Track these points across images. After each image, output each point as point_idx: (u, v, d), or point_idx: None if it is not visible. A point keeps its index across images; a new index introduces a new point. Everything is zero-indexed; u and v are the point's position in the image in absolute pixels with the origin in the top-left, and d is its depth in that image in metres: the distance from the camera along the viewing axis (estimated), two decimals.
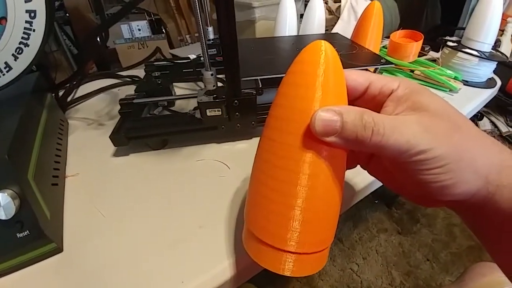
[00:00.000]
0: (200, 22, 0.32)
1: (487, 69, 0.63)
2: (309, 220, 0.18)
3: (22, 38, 0.32)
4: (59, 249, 0.26)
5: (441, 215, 1.13)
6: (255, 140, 0.42)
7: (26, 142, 0.28)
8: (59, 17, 1.63)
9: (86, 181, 0.35)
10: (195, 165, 0.37)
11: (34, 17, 0.31)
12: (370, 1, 0.74)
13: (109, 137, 0.36)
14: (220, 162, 0.37)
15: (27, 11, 0.31)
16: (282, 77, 0.19)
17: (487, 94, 0.60)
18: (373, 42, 0.61)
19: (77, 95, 0.53)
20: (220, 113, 0.37)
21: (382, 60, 0.46)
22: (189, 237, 0.28)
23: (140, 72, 0.63)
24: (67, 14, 1.67)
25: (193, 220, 0.29)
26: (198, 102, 0.36)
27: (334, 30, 0.68)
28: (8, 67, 0.33)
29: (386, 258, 0.97)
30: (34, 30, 0.32)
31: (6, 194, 0.23)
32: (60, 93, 0.47)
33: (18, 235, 0.24)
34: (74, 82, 0.50)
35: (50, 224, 0.27)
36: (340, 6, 0.74)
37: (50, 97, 0.41)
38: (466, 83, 0.62)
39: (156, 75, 0.48)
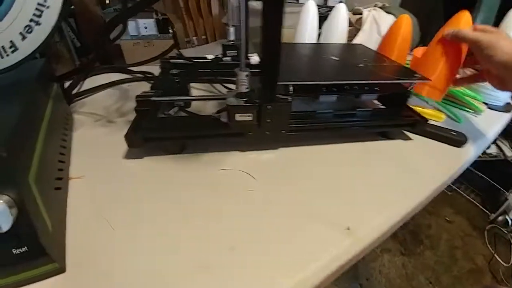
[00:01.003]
0: (244, 22, 0.28)
1: (506, 93, 0.61)
2: (442, 73, 0.43)
3: (34, 15, 0.27)
4: (61, 269, 0.22)
5: (444, 236, 1.11)
6: (282, 151, 0.38)
7: (29, 136, 0.23)
8: None
9: (92, 185, 0.30)
10: (218, 175, 0.33)
11: None
12: (391, 15, 0.72)
13: (124, 136, 0.32)
14: (246, 174, 0.33)
15: None
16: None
17: (507, 118, 0.59)
18: (399, 56, 0.58)
19: (83, 88, 0.49)
20: (250, 118, 0.33)
21: (416, 75, 0.43)
22: (217, 260, 0.23)
23: (151, 69, 0.58)
24: (72, 7, 1.62)
25: (220, 240, 0.25)
26: (227, 105, 0.32)
27: (355, 41, 0.66)
28: (14, 47, 0.28)
29: (389, 280, 0.93)
30: (48, 7, 0.27)
31: (1, 201, 0.18)
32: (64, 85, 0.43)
33: (14, 251, 0.19)
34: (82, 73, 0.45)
35: (52, 239, 0.22)
36: (360, 18, 0.72)
37: (56, 87, 0.37)
38: (487, 105, 0.60)
39: (174, 72, 0.44)
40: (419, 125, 0.41)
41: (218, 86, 0.55)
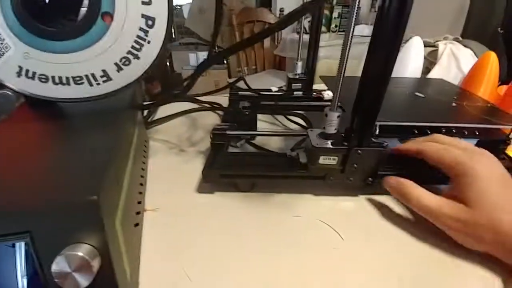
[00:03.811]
0: (344, 61, 0.24)
1: None
2: None
3: (133, 47, 0.26)
4: None
5: None
6: (363, 200, 0.31)
7: (119, 172, 0.22)
8: None
9: (166, 220, 0.27)
10: (294, 222, 0.28)
11: (152, 26, 0.25)
12: (468, 49, 0.64)
13: (202, 171, 0.30)
14: (328, 226, 0.27)
15: (143, 16, 0.25)
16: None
17: None
18: (486, 96, 0.49)
19: (156, 116, 0.49)
20: (335, 162, 0.28)
21: None
22: None
23: (216, 99, 0.58)
24: None
25: None
26: (313, 146, 0.28)
27: (431, 75, 0.59)
28: (107, 76, 0.26)
29: None
30: (149, 42, 0.26)
31: (80, 253, 0.15)
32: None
33: None
34: (160, 102, 0.46)
35: None
36: (433, 50, 0.65)
37: (140, 114, 0.36)
38: None
39: (246, 105, 0.42)
40: None
41: (280, 117, 0.52)
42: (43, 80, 0.25)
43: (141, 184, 0.29)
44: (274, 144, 0.42)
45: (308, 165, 0.29)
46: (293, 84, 0.52)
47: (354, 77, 0.49)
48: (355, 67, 0.63)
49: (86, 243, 0.16)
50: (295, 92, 0.50)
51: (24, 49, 0.24)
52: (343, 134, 0.28)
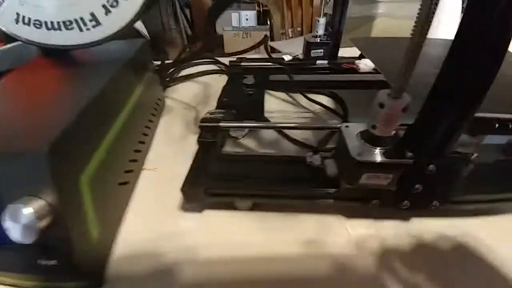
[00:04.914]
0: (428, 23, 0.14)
1: None
2: None
3: None
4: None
5: None
6: (412, 227, 0.21)
7: (96, 126, 0.20)
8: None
9: (163, 182, 0.26)
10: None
11: None
12: None
13: (181, 189, 0.22)
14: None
15: None
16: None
17: None
18: None
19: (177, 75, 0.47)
20: (386, 182, 0.19)
21: None
22: None
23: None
24: None
25: None
26: (354, 160, 0.18)
27: None
28: (95, 21, 0.23)
29: None
30: None
31: (28, 206, 0.14)
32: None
33: (39, 261, 0.16)
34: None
35: (95, 249, 0.18)
36: None
37: (151, 71, 0.34)
38: None
39: (248, 83, 0.34)
40: None
41: (299, 97, 0.38)
42: (37, 26, 0.24)
43: (142, 142, 0.28)
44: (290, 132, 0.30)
45: (341, 183, 0.20)
46: (313, 50, 0.39)
47: (386, 38, 0.36)
48: (407, 28, 0.50)
49: (40, 198, 0.14)
50: (318, 62, 0.39)
51: None
52: (403, 136, 0.18)
